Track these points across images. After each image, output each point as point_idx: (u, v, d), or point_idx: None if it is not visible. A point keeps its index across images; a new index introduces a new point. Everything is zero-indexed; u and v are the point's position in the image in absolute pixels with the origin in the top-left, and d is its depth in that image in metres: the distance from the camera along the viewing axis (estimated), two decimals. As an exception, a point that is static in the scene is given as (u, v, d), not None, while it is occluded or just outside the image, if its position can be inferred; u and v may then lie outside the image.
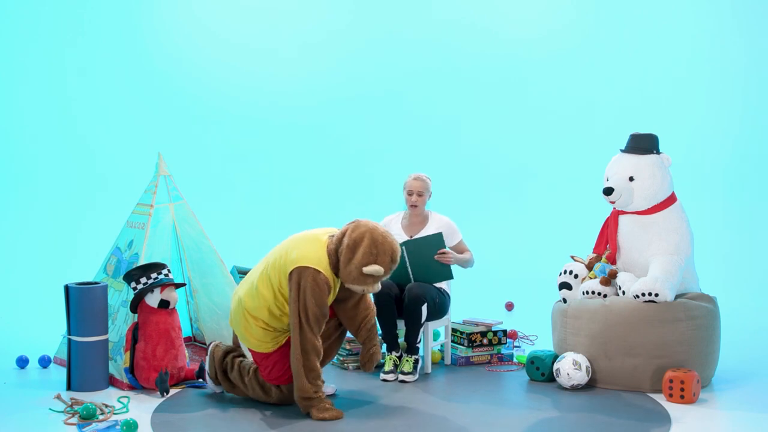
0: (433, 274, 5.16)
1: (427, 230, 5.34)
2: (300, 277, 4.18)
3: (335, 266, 4.27)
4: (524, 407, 4.51)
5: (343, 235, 4.29)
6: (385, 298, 5.02)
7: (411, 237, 5.35)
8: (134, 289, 4.82)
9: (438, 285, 5.27)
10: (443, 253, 5.14)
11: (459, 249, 5.35)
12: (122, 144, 8.51)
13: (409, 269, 5.13)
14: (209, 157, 8.62)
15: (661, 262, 4.82)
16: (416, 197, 5.30)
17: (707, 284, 5.29)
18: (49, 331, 5.89)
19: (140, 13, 8.73)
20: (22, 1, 8.51)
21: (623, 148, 5.11)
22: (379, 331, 5.32)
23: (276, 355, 4.39)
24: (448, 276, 5.21)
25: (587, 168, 7.27)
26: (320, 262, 4.24)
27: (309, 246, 4.28)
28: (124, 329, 4.89)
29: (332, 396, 4.65)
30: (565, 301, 5.11)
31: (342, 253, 4.24)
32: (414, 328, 5.04)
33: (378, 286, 4.32)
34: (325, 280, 4.22)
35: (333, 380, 5.10)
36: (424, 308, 5.02)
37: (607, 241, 5.16)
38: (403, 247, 5.05)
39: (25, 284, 7.45)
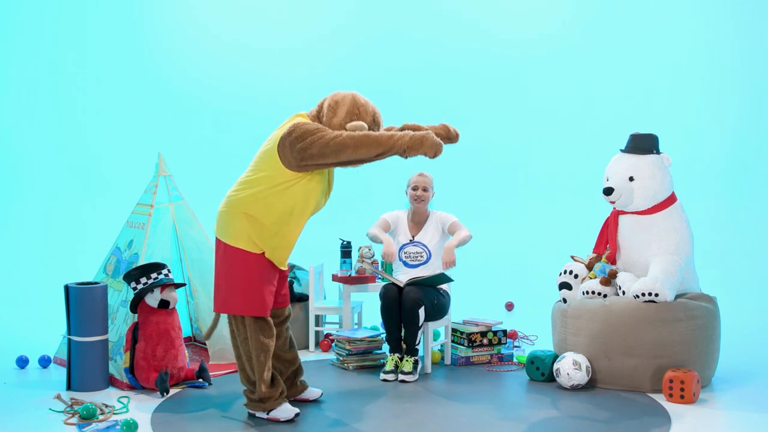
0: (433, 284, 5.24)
1: (426, 229, 5.39)
2: (283, 141, 4.08)
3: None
4: (524, 407, 4.51)
5: (323, 102, 4.28)
6: (391, 302, 5.04)
7: (413, 237, 5.36)
8: (134, 289, 4.82)
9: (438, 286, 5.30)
10: (448, 262, 5.22)
11: (453, 229, 5.37)
12: (122, 144, 8.52)
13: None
14: (209, 157, 8.62)
15: (661, 262, 4.82)
16: (421, 192, 5.36)
17: (707, 284, 5.29)
18: (49, 331, 5.90)
19: (140, 13, 8.73)
20: (25, 2, 8.51)
21: (623, 148, 5.11)
22: (382, 333, 5.33)
23: (257, 258, 4.14)
24: (448, 280, 5.23)
25: (587, 168, 7.28)
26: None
27: (287, 124, 4.22)
28: (124, 329, 4.89)
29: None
30: (565, 301, 5.11)
31: (324, 114, 4.22)
32: (412, 331, 5.05)
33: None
34: (306, 121, 4.16)
35: (333, 380, 5.11)
36: (422, 311, 5.03)
37: (607, 241, 5.16)
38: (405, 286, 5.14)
39: (25, 284, 7.45)
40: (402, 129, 4.40)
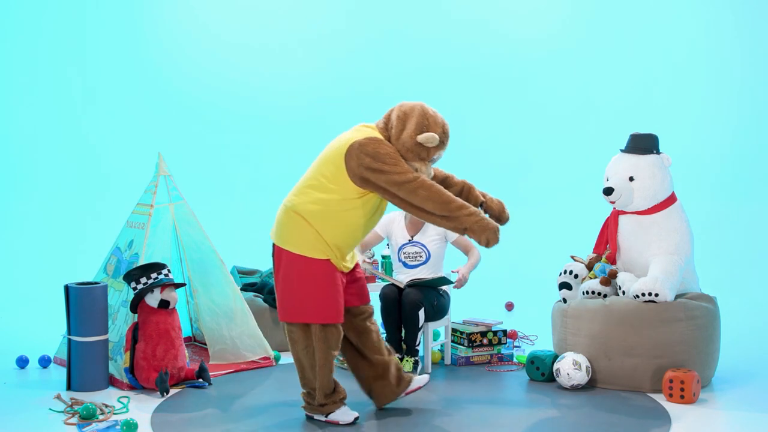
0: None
1: (426, 227, 5.38)
2: (350, 153, 4.00)
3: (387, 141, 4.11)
4: (524, 407, 4.51)
5: (390, 112, 4.17)
6: (390, 303, 5.05)
7: (412, 237, 5.36)
8: (134, 289, 4.82)
9: (440, 275, 5.33)
10: (457, 283, 5.24)
11: (463, 244, 5.38)
12: (123, 144, 8.51)
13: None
14: (209, 157, 8.62)
15: (661, 262, 4.82)
16: None
17: (707, 284, 5.29)
18: (49, 331, 5.90)
19: (140, 14, 8.72)
20: (25, 3, 8.51)
21: (623, 148, 5.11)
22: (382, 334, 5.33)
23: (324, 265, 4.05)
24: (448, 282, 5.24)
25: (587, 168, 7.28)
26: (371, 134, 4.10)
27: (356, 132, 4.14)
28: (124, 329, 4.89)
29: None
30: (565, 301, 5.11)
31: (393, 126, 4.10)
32: (412, 332, 5.05)
33: (431, 170, 4.15)
34: (377, 137, 4.05)
35: (333, 380, 5.11)
36: (421, 313, 5.04)
37: (607, 241, 5.16)
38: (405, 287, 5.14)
39: (26, 284, 7.45)
40: (462, 188, 4.35)
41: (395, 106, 4.19)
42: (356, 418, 4.20)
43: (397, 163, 3.99)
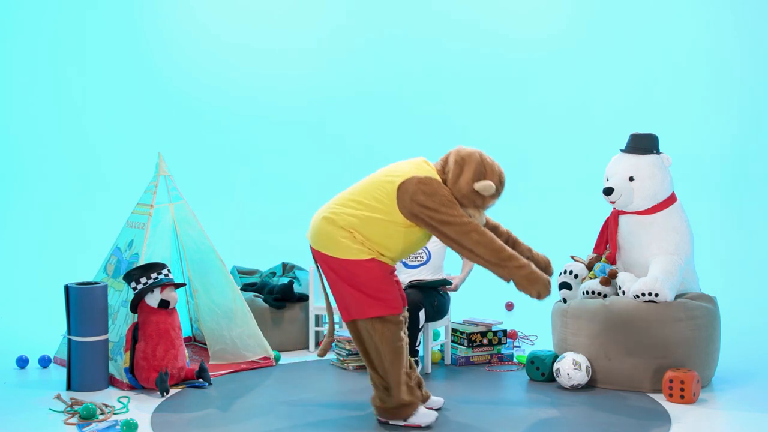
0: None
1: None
2: (406, 188, 3.98)
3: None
4: (524, 407, 4.51)
5: (447, 156, 4.14)
6: None
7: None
8: (134, 289, 4.82)
9: (440, 277, 5.33)
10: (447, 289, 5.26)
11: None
12: (122, 144, 8.51)
13: None
14: (209, 157, 8.62)
15: (661, 262, 4.82)
16: None
17: (707, 284, 5.29)
18: (49, 331, 5.89)
19: (140, 13, 8.72)
20: (25, 3, 8.51)
21: (623, 148, 5.11)
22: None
23: (371, 263, 4.02)
24: (448, 283, 5.24)
25: (587, 168, 7.27)
26: (431, 175, 4.07)
27: (416, 167, 4.10)
28: (124, 329, 4.89)
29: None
30: (565, 301, 5.11)
31: (450, 171, 4.07)
32: (412, 333, 5.03)
33: (484, 218, 4.14)
34: (435, 179, 4.03)
35: (333, 380, 5.11)
36: (422, 314, 5.03)
37: (607, 241, 5.15)
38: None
39: (26, 284, 7.45)
40: (508, 239, 4.31)
41: (453, 150, 4.16)
42: (436, 417, 4.15)
43: (453, 207, 4.00)
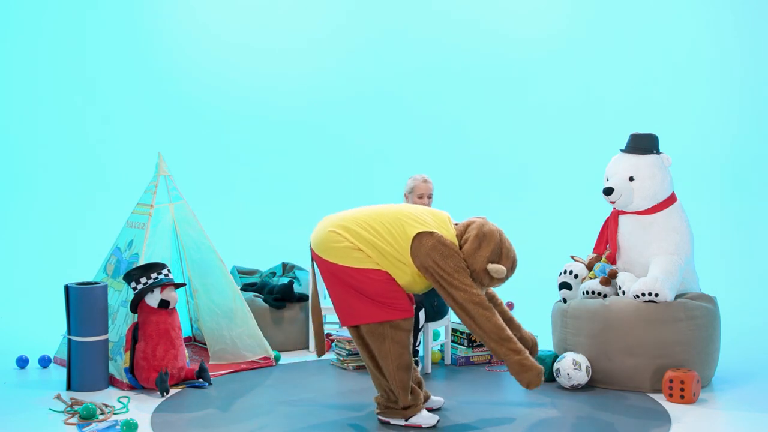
0: None
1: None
2: (425, 241, 3.99)
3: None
4: (524, 407, 4.51)
5: (470, 224, 4.16)
6: None
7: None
8: (134, 289, 4.82)
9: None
10: None
11: None
12: (122, 144, 8.51)
13: None
14: (209, 157, 8.62)
15: (661, 262, 4.82)
16: (427, 200, 5.33)
17: (707, 284, 5.29)
18: (49, 331, 5.89)
19: (141, 13, 8.72)
20: (25, 2, 8.51)
21: (623, 148, 5.11)
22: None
23: (376, 274, 4.02)
24: None
25: (587, 168, 7.27)
26: (449, 235, 4.08)
27: (440, 222, 4.12)
28: (124, 329, 4.89)
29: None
30: (565, 301, 5.11)
31: (468, 240, 4.08)
32: (413, 333, 5.03)
33: (486, 292, 4.19)
34: (454, 244, 4.05)
35: (333, 380, 5.11)
36: (422, 314, 5.03)
37: (607, 241, 5.15)
38: None
39: (25, 284, 7.44)
40: (502, 313, 4.32)
41: (477, 221, 4.16)
42: (438, 421, 4.18)
43: (465, 275, 4.02)
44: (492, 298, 4.33)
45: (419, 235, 4.01)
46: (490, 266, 4.04)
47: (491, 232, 4.11)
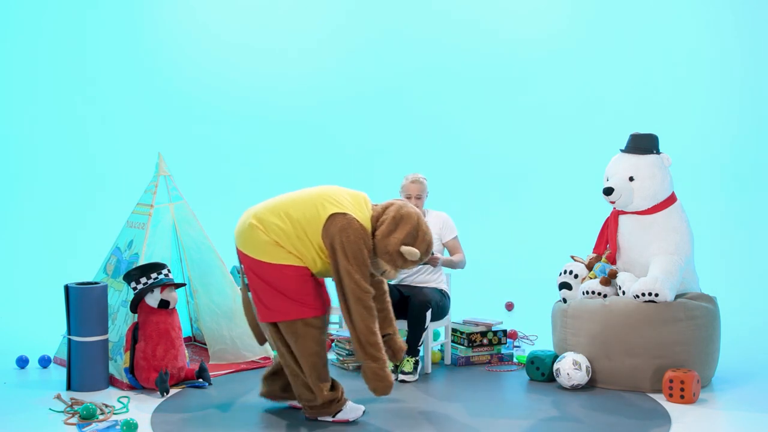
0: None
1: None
2: (337, 221, 4.02)
3: (371, 234, 4.12)
4: (524, 407, 4.51)
5: (388, 206, 4.18)
6: None
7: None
8: (134, 289, 4.82)
9: (438, 286, 5.28)
10: (430, 257, 5.11)
11: (452, 246, 5.35)
12: (122, 144, 8.51)
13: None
14: (209, 157, 8.62)
15: (661, 262, 4.82)
16: (415, 201, 5.28)
17: (707, 284, 5.29)
18: (49, 331, 5.89)
19: (141, 13, 8.73)
20: (24, 2, 8.51)
21: (623, 148, 5.11)
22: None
23: (291, 270, 4.08)
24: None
25: (587, 168, 7.27)
26: (363, 218, 4.10)
27: (356, 204, 4.14)
28: (124, 329, 4.89)
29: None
30: (565, 301, 5.11)
31: (384, 222, 4.10)
32: (418, 333, 5.04)
33: (396, 275, 4.20)
34: (365, 230, 4.07)
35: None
36: (429, 314, 5.03)
37: (607, 241, 5.15)
38: None
39: (25, 284, 7.45)
40: (383, 309, 4.35)
41: (396, 203, 4.20)
42: (364, 411, 4.20)
43: (364, 269, 4.03)
44: (379, 287, 4.33)
45: (332, 216, 4.04)
46: (404, 248, 4.06)
47: (409, 214, 4.13)
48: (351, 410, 4.21)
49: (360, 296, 4.00)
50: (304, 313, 4.07)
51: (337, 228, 4.01)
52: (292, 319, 4.07)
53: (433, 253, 5.07)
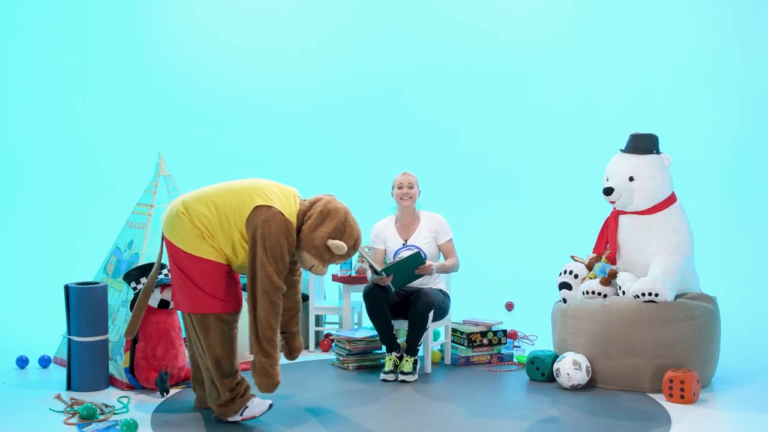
0: (410, 277, 5.15)
1: (420, 230, 5.32)
2: (262, 212, 4.05)
3: (298, 228, 4.17)
4: (524, 407, 4.51)
5: (316, 201, 4.23)
6: (375, 301, 5.00)
7: (405, 241, 5.32)
8: (134, 289, 4.82)
9: (438, 286, 5.28)
10: (423, 268, 5.11)
11: (446, 249, 5.34)
12: (122, 144, 8.51)
13: (390, 284, 5.11)
14: (209, 157, 8.62)
15: (661, 262, 4.82)
16: (407, 189, 5.27)
17: (707, 284, 5.29)
18: (49, 331, 5.89)
19: (141, 13, 8.73)
20: (24, 2, 8.51)
21: (623, 148, 5.11)
22: (376, 334, 5.31)
23: (210, 265, 4.12)
24: (422, 260, 5.11)
25: (587, 168, 7.27)
26: (290, 212, 4.14)
27: (284, 198, 4.18)
28: (124, 329, 4.89)
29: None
30: (565, 301, 5.11)
31: (311, 217, 4.15)
32: (419, 333, 5.03)
33: (325, 270, 4.24)
34: (289, 224, 4.11)
35: (333, 380, 5.11)
36: (431, 315, 5.03)
37: (607, 241, 5.15)
38: (383, 273, 5.02)
39: (25, 284, 7.45)
40: (291, 307, 4.41)
41: (324, 197, 4.25)
42: (270, 405, 4.21)
43: (280, 264, 4.04)
44: (293, 286, 4.38)
45: (258, 207, 4.07)
46: (331, 242, 4.10)
47: (336, 209, 4.18)
48: (257, 406, 4.19)
49: (268, 290, 4.01)
50: (219, 307, 4.11)
51: (261, 219, 4.04)
52: (206, 313, 4.11)
53: (426, 261, 5.09)
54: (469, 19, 8.69)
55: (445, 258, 5.35)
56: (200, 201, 4.16)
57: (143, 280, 4.81)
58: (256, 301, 4.04)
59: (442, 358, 5.53)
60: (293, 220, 4.15)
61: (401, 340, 5.18)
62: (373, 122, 8.71)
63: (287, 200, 4.18)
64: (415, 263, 5.07)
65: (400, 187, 5.30)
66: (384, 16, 8.78)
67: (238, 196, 4.14)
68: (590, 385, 4.82)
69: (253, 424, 4.19)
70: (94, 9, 8.62)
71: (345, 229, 4.16)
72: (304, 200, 4.27)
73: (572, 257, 5.27)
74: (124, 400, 4.55)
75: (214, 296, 4.11)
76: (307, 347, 5.88)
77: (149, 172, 5.56)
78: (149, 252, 5.09)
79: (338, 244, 4.10)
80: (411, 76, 8.69)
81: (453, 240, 5.38)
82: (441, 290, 5.26)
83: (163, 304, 4.81)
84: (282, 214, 4.08)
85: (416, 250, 5.16)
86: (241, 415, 4.18)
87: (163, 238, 4.25)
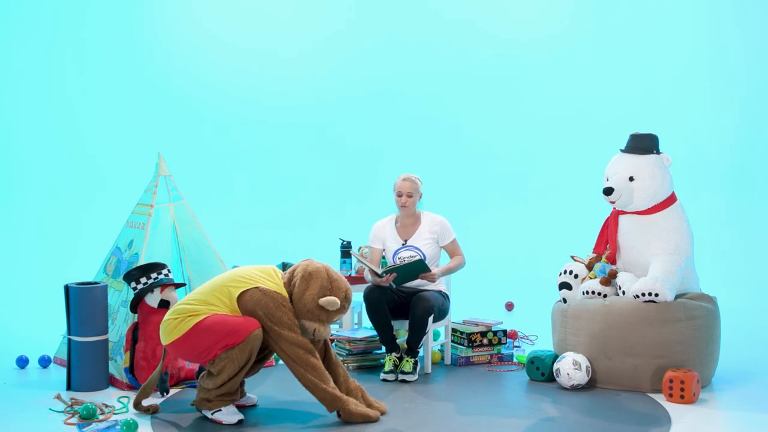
0: (412, 278, 5.15)
1: (420, 231, 5.30)
2: (248, 297, 4.14)
3: (288, 299, 4.23)
4: (524, 407, 4.51)
5: (295, 269, 4.28)
6: (375, 302, 5.00)
7: (405, 241, 5.31)
8: (134, 289, 4.82)
9: (438, 288, 5.28)
10: (426, 275, 5.11)
11: (451, 249, 5.34)
12: (122, 144, 8.52)
13: (391, 283, 5.11)
14: (209, 157, 8.63)
15: (661, 262, 4.82)
16: (405, 198, 5.25)
17: (707, 284, 5.29)
18: (49, 331, 5.90)
19: (140, 13, 8.73)
20: (23, 2, 8.51)
21: (623, 148, 5.11)
22: (376, 334, 5.31)
23: (209, 318, 4.13)
24: (425, 268, 5.12)
25: (587, 168, 7.28)
26: (276, 287, 4.21)
27: (264, 276, 4.24)
28: (124, 329, 4.90)
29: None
30: (565, 301, 5.11)
31: (296, 284, 4.21)
32: (419, 336, 5.03)
33: (329, 330, 4.25)
34: (279, 293, 4.19)
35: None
36: (431, 318, 5.03)
37: (607, 241, 5.15)
38: (383, 275, 5.03)
39: (25, 284, 7.45)
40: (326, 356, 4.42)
41: (302, 263, 4.29)
42: (240, 421, 4.20)
43: (291, 326, 4.14)
44: (317, 345, 4.35)
45: (242, 294, 4.15)
46: (322, 300, 4.15)
47: (316, 270, 4.23)
48: (226, 415, 4.20)
49: (300, 355, 4.10)
50: (236, 338, 4.10)
51: (253, 302, 4.14)
52: (248, 334, 4.10)
53: (428, 269, 5.09)
54: (470, 19, 8.71)
55: (450, 257, 5.35)
56: (185, 302, 4.23)
57: (143, 280, 4.81)
58: (298, 376, 4.13)
59: (442, 358, 5.53)
60: (282, 292, 4.21)
61: (401, 340, 5.18)
62: (374, 123, 8.71)
63: (269, 276, 4.26)
64: (417, 269, 5.09)
65: (399, 195, 5.29)
66: (384, 17, 8.79)
67: (220, 288, 4.21)
68: (590, 385, 4.82)
69: (252, 424, 4.19)
70: (93, 9, 8.63)
71: (332, 285, 4.21)
72: (283, 274, 4.32)
73: (572, 257, 5.27)
74: (124, 400, 4.55)
75: (235, 326, 4.10)
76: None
77: (149, 172, 5.57)
78: (149, 252, 5.09)
79: (330, 300, 4.15)
80: (411, 77, 8.70)
81: (457, 239, 5.36)
82: (440, 292, 5.26)
83: (163, 304, 4.81)
84: (267, 288, 4.16)
85: (420, 257, 5.17)
86: (211, 414, 4.22)
87: (165, 349, 4.30)
